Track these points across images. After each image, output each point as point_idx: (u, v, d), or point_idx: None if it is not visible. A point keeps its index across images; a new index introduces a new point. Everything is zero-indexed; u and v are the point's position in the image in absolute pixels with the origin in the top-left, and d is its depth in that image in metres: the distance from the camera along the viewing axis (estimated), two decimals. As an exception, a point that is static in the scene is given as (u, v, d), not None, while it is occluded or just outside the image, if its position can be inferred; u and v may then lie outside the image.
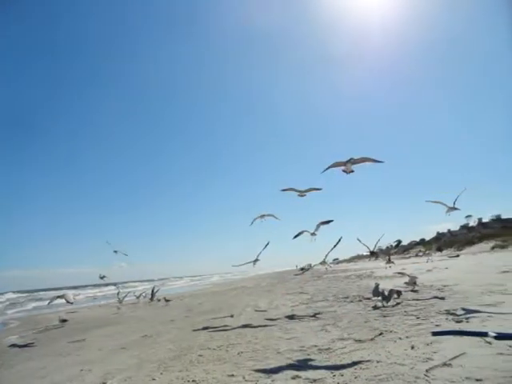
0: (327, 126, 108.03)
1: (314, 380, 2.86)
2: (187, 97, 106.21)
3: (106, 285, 28.29)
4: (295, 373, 3.09)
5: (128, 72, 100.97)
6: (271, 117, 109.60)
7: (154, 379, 3.49)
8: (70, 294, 9.69)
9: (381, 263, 16.85)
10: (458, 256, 23.20)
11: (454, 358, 2.79)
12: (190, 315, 8.43)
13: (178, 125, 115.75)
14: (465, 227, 40.32)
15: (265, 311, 7.43)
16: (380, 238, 8.73)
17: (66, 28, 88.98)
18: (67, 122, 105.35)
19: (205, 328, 6.09)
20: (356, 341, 3.89)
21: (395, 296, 6.32)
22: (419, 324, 4.28)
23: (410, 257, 34.11)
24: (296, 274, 18.28)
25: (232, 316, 7.16)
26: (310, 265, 19.49)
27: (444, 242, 36.38)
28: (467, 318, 4.14)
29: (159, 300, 13.65)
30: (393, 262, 12.17)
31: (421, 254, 32.77)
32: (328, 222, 7.76)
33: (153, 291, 14.52)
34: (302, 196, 7.33)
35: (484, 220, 39.44)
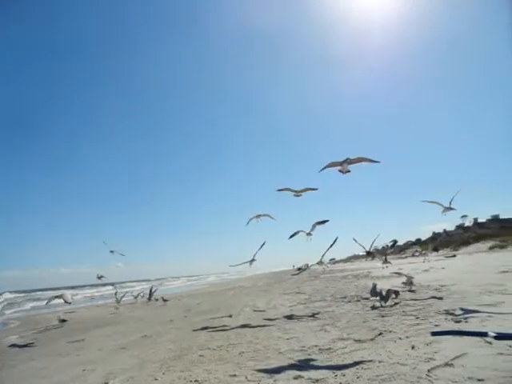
0: (326, 126, 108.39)
1: (317, 380, 2.87)
2: (186, 96, 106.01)
3: (104, 285, 28.17)
4: (297, 373, 3.11)
5: (128, 72, 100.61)
6: (270, 117, 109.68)
7: (156, 379, 3.49)
8: (68, 294, 9.68)
9: (377, 263, 16.94)
10: (454, 256, 23.32)
11: (456, 358, 2.82)
12: (188, 315, 8.44)
13: (177, 125, 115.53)
14: (460, 227, 40.54)
15: (263, 311, 7.45)
16: (376, 238, 8.78)
17: (66, 28, 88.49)
18: (66, 121, 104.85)
19: (204, 328, 6.10)
20: (356, 341, 3.92)
21: (393, 296, 6.35)
22: (418, 324, 4.32)
23: (406, 257, 34.21)
24: (293, 274, 18.29)
25: (231, 316, 7.17)
26: (306, 265, 19.54)
27: (440, 242, 36.56)
28: (466, 318, 4.17)
29: (157, 300, 13.64)
30: (389, 262, 12.23)
31: (417, 254, 32.86)
32: (324, 222, 7.80)
33: (150, 291, 14.50)
34: (297, 196, 7.36)
35: (480, 220, 39.74)
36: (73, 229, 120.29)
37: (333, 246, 8.03)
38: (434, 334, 3.62)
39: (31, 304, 21.44)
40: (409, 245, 44.60)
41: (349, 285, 11.32)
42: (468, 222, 40.47)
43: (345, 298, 7.95)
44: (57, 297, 9.11)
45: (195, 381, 3.30)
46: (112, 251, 11.72)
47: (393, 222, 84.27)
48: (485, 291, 6.08)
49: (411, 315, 4.92)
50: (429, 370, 2.64)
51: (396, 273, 10.37)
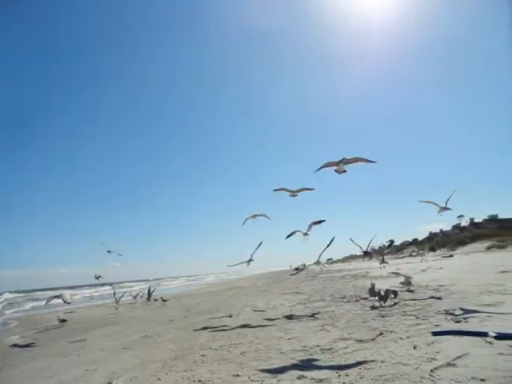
0: (326, 126, 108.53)
1: (320, 380, 2.89)
2: (186, 96, 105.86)
3: (102, 285, 28.11)
4: (300, 373, 3.13)
5: (127, 72, 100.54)
6: (270, 117, 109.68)
7: (159, 379, 3.50)
8: (67, 293, 9.66)
9: (375, 263, 17.04)
10: (451, 256, 23.49)
11: (458, 357, 2.86)
12: (188, 315, 8.45)
13: (176, 125, 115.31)
14: (457, 227, 40.75)
15: (263, 311, 7.47)
16: (373, 238, 8.82)
17: (65, 28, 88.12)
18: (65, 121, 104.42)
19: (204, 328, 6.11)
20: (357, 341, 3.95)
21: (392, 296, 6.39)
22: (418, 324, 4.35)
23: (403, 257, 34.43)
24: (291, 274, 18.32)
25: (231, 316, 7.19)
26: (304, 265, 19.58)
27: (437, 242, 36.73)
28: (466, 318, 4.21)
29: (156, 300, 13.63)
30: (387, 262, 12.27)
31: (414, 254, 33.04)
32: (320, 222, 7.80)
33: (149, 291, 14.48)
34: (293, 196, 7.37)
35: (476, 220, 39.95)
36: (72, 229, 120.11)
37: (330, 246, 8.07)
38: (435, 333, 3.66)
39: (31, 304, 21.37)
40: (406, 245, 44.82)
41: (347, 285, 11.38)
42: (464, 222, 40.67)
43: (344, 297, 8.00)
44: (56, 297, 9.08)
45: (198, 381, 3.31)
46: (109, 251, 11.69)
47: (389, 221, 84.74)
48: (484, 291, 6.12)
49: (411, 315, 4.96)
50: (431, 370, 2.67)
51: (394, 273, 10.44)
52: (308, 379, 2.96)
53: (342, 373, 2.97)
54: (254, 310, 7.73)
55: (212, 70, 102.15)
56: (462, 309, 4.74)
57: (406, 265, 18.38)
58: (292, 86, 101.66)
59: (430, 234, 43.65)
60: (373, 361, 3.14)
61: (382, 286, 7.98)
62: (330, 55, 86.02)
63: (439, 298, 6.06)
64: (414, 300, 6.27)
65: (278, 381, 3.04)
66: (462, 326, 3.87)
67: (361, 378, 2.80)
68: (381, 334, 4.10)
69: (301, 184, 7.42)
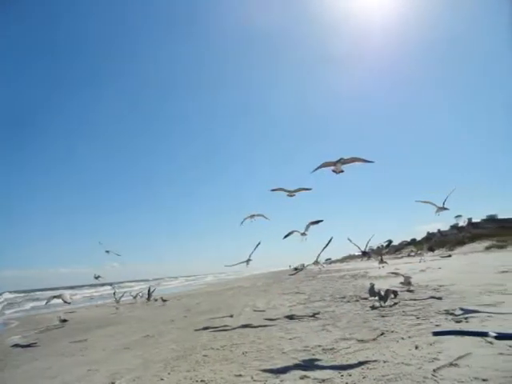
0: (325, 126, 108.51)
1: (323, 380, 2.90)
2: (185, 96, 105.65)
3: (102, 285, 28.12)
4: (303, 373, 3.14)
5: (127, 71, 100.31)
6: (269, 116, 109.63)
7: (162, 379, 3.51)
8: (67, 293, 9.67)
9: (374, 263, 17.09)
10: (450, 256, 23.54)
11: (460, 358, 2.88)
12: (188, 315, 8.46)
13: (174, 124, 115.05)
14: (455, 227, 40.88)
15: (263, 311, 7.49)
16: (370, 238, 8.84)
17: (65, 28, 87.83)
18: (63, 121, 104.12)
19: (205, 328, 6.12)
20: (359, 341, 3.97)
21: (392, 296, 6.41)
22: (419, 324, 4.37)
23: (402, 257, 34.50)
24: (291, 274, 18.36)
25: (231, 316, 7.21)
26: (303, 265, 19.60)
27: (435, 242, 36.82)
28: (466, 318, 4.24)
29: (156, 300, 13.63)
30: (386, 262, 12.32)
31: (413, 253, 33.12)
32: (317, 222, 7.81)
33: (149, 291, 14.49)
34: (291, 196, 7.39)
35: (475, 220, 40.08)
36: (71, 229, 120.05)
37: (328, 246, 8.09)
38: (436, 333, 3.69)
39: (31, 304, 21.38)
40: (404, 245, 44.86)
41: (347, 285, 11.41)
42: (462, 222, 40.80)
43: (344, 297, 8.03)
44: (56, 297, 9.08)
45: (201, 381, 3.32)
46: (108, 251, 11.70)
47: (387, 221, 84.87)
48: (484, 291, 6.15)
49: (412, 315, 4.98)
50: (434, 370, 2.69)
51: (393, 273, 10.46)
52: (311, 379, 2.98)
53: (344, 373, 2.99)
54: (255, 310, 7.76)
55: (212, 69, 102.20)
56: (462, 309, 4.76)
57: (404, 265, 18.42)
58: (291, 86, 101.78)
59: (428, 234, 43.75)
60: (375, 361, 3.16)
61: (381, 286, 8.00)
62: (329, 55, 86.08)
63: (439, 298, 6.09)
64: (414, 300, 6.30)
65: (281, 381, 3.05)
66: (463, 326, 3.89)
67: (363, 378, 2.81)
68: (382, 334, 4.13)
69: (299, 184, 7.44)
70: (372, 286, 6.70)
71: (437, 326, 4.15)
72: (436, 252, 30.66)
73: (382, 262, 11.89)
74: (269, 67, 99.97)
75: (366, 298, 7.22)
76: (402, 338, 3.80)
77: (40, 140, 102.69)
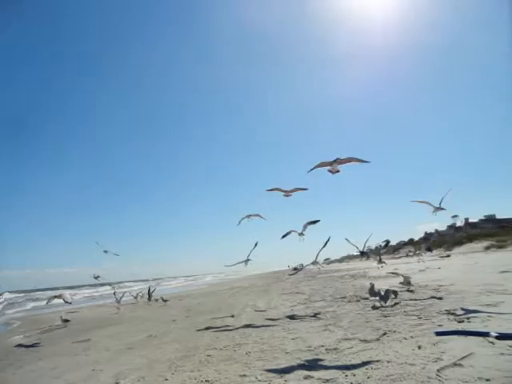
0: (323, 126, 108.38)
1: (327, 380, 2.93)
2: (182, 96, 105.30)
3: (102, 285, 28.08)
4: (306, 373, 3.16)
5: (124, 72, 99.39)
6: (268, 116, 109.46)
7: (166, 379, 3.53)
8: (67, 293, 9.66)
9: (372, 263, 17.15)
10: (448, 256, 23.63)
11: (463, 358, 2.91)
12: (190, 315, 8.49)
13: (172, 123, 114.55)
14: (452, 227, 41.03)
15: (264, 311, 7.53)
16: (368, 237, 8.86)
17: (64, 28, 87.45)
18: (62, 120, 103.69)
19: (208, 328, 6.15)
20: (361, 341, 3.99)
21: (392, 296, 6.44)
22: (421, 324, 4.41)
23: (400, 257, 34.58)
24: (290, 274, 18.42)
25: (233, 316, 7.24)
26: (302, 265, 19.65)
27: (433, 242, 36.92)
28: (468, 318, 4.28)
29: (157, 300, 13.62)
30: (384, 262, 12.35)
31: (411, 253, 33.17)
32: (314, 222, 7.82)
33: (149, 291, 14.49)
34: (287, 196, 7.41)
35: (472, 220, 40.23)
36: (71, 229, 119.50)
37: (326, 246, 8.10)
38: (438, 334, 3.73)
39: (32, 304, 21.41)
40: (402, 245, 44.99)
41: (346, 285, 11.47)
42: (459, 222, 40.90)
43: (344, 297, 8.07)
44: (56, 297, 9.07)
45: (206, 381, 3.34)
46: (106, 251, 11.68)
47: (384, 221, 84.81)
48: (484, 291, 6.20)
49: (413, 315, 5.02)
50: (438, 370, 2.72)
51: (392, 273, 10.51)
52: (315, 379, 3.00)
53: (348, 373, 3.02)
54: (256, 310, 7.79)
55: (209, 69, 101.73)
56: (463, 309, 4.80)
57: (403, 265, 18.50)
58: (289, 86, 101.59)
59: (426, 234, 43.89)
60: (378, 361, 3.19)
61: (381, 286, 8.06)
62: (327, 56, 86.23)
63: (440, 298, 6.14)
64: (415, 300, 6.35)
65: (286, 381, 3.07)
66: (465, 326, 3.93)
67: (368, 377, 2.84)
68: (384, 333, 4.16)
69: (296, 184, 7.46)
70: (372, 286, 6.73)
71: (439, 326, 4.19)
72: (434, 252, 30.76)
73: (380, 262, 11.92)
74: (266, 67, 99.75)
75: (366, 298, 7.25)
76: (405, 338, 3.83)
77: (36, 138, 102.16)
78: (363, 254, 9.91)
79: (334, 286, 11.69)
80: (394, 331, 4.23)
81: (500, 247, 24.09)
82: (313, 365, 3.38)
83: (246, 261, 8.54)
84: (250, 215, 8.25)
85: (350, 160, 5.77)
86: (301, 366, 3.38)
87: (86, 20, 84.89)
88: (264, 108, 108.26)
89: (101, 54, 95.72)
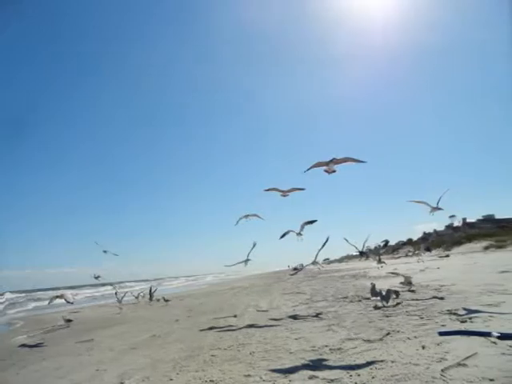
0: (322, 126, 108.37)
1: (332, 380, 2.94)
2: (181, 96, 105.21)
3: (103, 285, 28.09)
4: (311, 373, 3.18)
5: (123, 70, 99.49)
6: (268, 116, 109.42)
7: (171, 379, 3.55)
8: (69, 293, 9.65)
9: (372, 263, 17.19)
10: (448, 256, 23.67)
11: (468, 357, 2.94)
12: (192, 315, 8.51)
13: (172, 123, 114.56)
14: (450, 227, 41.10)
15: (266, 311, 7.56)
16: (367, 237, 8.89)
17: (65, 27, 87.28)
18: (62, 120, 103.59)
19: (211, 328, 6.17)
20: (365, 341, 4.01)
21: (394, 296, 6.47)
22: (424, 324, 4.43)
23: (399, 257, 34.58)
24: (291, 274, 18.44)
25: (235, 316, 7.26)
26: (302, 265, 19.67)
27: (432, 242, 36.96)
28: (471, 318, 4.30)
29: (158, 300, 13.64)
30: (384, 262, 12.38)
31: (410, 254, 33.19)
32: (312, 222, 7.83)
33: (150, 291, 14.50)
34: (284, 196, 7.42)
35: (469, 220, 40.30)
36: (71, 229, 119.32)
37: (325, 246, 8.11)
38: (441, 334, 3.76)
39: (33, 304, 21.43)
40: (401, 245, 45.05)
41: (347, 285, 11.50)
42: (457, 222, 40.96)
43: (346, 298, 8.10)
44: (58, 296, 9.06)
45: (210, 381, 3.36)
46: (105, 251, 11.69)
47: (382, 221, 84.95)
48: (485, 291, 6.22)
49: (415, 315, 5.05)
50: (443, 370, 2.74)
51: (393, 273, 10.54)
52: (320, 379, 3.02)
53: (353, 373, 3.03)
54: (258, 310, 7.82)
55: (208, 69, 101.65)
56: (465, 309, 4.83)
57: (403, 265, 18.53)
58: (288, 86, 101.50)
59: (424, 234, 43.93)
60: (383, 361, 3.21)
61: (382, 286, 8.05)
62: (327, 56, 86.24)
63: (441, 298, 6.16)
64: (417, 300, 6.37)
65: (290, 381, 3.09)
66: (468, 326, 3.95)
67: (372, 377, 2.86)
68: (388, 333, 4.18)
69: (295, 184, 7.48)
70: (373, 286, 6.75)
71: (442, 326, 4.21)
72: (433, 252, 30.77)
73: (380, 262, 11.94)
74: (266, 67, 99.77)
75: (368, 298, 7.28)
76: (409, 338, 3.85)
77: (40, 139, 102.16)
78: (362, 254, 9.95)
79: (334, 286, 11.72)
80: (398, 331, 4.26)
81: (499, 247, 24.12)
82: (317, 365, 3.40)
83: (246, 261, 8.56)
84: (248, 215, 8.27)
85: (346, 160, 5.78)
86: (305, 366, 3.40)
87: (86, 20, 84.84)
88: (264, 108, 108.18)
89: (101, 54, 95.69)
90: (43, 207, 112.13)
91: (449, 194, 7.61)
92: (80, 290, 32.13)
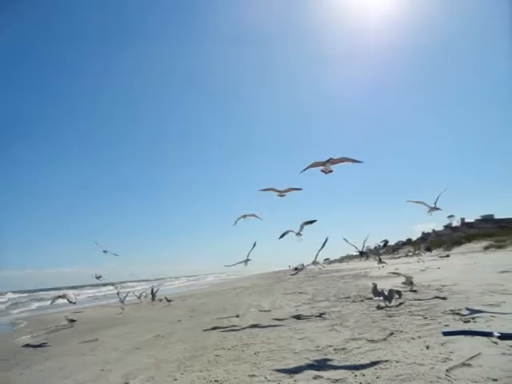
0: (319, 126, 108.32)
1: (336, 380, 2.96)
2: (177, 95, 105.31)
3: (104, 285, 28.16)
4: (316, 373, 3.19)
5: (119, 71, 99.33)
6: (265, 116, 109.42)
7: (175, 379, 3.57)
8: (71, 293, 9.69)
9: (373, 263, 17.17)
10: (448, 256, 23.67)
11: (472, 357, 2.95)
12: (195, 315, 8.53)
13: (172, 123, 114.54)
14: (448, 227, 41.10)
15: (269, 311, 7.57)
16: (367, 237, 8.89)
17: (65, 27, 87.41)
18: (61, 120, 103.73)
19: (214, 328, 6.19)
20: (369, 341, 4.03)
21: (396, 296, 6.48)
22: (428, 324, 4.44)
23: (399, 257, 34.58)
24: (292, 274, 18.44)
25: (238, 316, 7.28)
26: (302, 265, 19.66)
27: (431, 241, 36.92)
28: (474, 318, 4.32)
29: (161, 300, 13.66)
30: (385, 262, 12.37)
31: (410, 253, 33.16)
32: (311, 222, 7.81)
33: (152, 291, 14.51)
34: (281, 196, 7.41)
35: (468, 220, 40.34)
36: (71, 228, 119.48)
37: (325, 246, 8.10)
38: (445, 334, 3.77)
39: (36, 304, 21.52)
40: (400, 245, 45.05)
41: (349, 285, 11.50)
42: (455, 222, 40.98)
43: (348, 298, 8.11)
44: (60, 297, 9.10)
45: (215, 381, 3.37)
46: (105, 251, 11.69)
47: (381, 221, 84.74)
48: (486, 291, 6.23)
49: (418, 315, 5.05)
50: (447, 370, 2.76)
51: (394, 273, 10.55)
52: (324, 379, 3.03)
53: (357, 373, 3.05)
54: (260, 310, 7.83)
55: (203, 69, 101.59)
56: (468, 309, 4.84)
57: (404, 265, 18.53)
58: (284, 86, 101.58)
59: (423, 234, 43.89)
60: (387, 361, 3.22)
61: (383, 286, 8.05)
62: (323, 56, 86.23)
63: (444, 298, 6.17)
64: (419, 300, 6.38)
65: (295, 381, 3.10)
66: (471, 326, 3.97)
67: (377, 377, 2.87)
68: (391, 333, 4.19)
69: (292, 184, 7.48)
70: (375, 286, 6.76)
71: (445, 326, 4.22)
72: (434, 252, 30.73)
73: (380, 262, 11.93)
74: (261, 67, 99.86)
75: (370, 298, 7.29)
76: (413, 338, 3.86)
77: (40, 139, 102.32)
78: (363, 254, 9.94)
79: (336, 286, 11.72)
80: (401, 331, 4.27)
81: (499, 247, 24.08)
82: (322, 365, 3.42)
83: (246, 261, 8.57)
84: (246, 215, 8.28)
85: (343, 160, 5.75)
86: (310, 366, 3.41)
87: (86, 20, 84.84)
88: (261, 108, 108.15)
89: (100, 54, 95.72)
90: (43, 207, 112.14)
91: (447, 194, 7.62)
92: (81, 290, 32.30)
